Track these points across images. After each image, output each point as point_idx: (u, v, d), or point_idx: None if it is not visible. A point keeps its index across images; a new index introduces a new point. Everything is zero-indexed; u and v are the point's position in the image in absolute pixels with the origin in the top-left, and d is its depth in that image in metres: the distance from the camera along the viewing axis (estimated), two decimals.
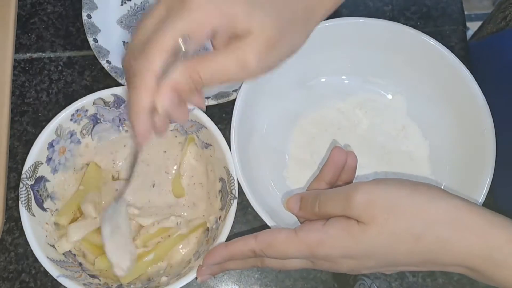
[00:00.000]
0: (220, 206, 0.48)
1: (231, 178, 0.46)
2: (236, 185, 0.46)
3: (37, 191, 0.47)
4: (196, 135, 0.50)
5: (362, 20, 0.52)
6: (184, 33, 0.35)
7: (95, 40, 0.54)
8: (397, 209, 0.37)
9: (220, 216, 0.47)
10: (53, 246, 0.46)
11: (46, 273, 0.44)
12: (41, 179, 0.47)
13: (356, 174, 0.53)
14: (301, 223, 0.45)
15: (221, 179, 0.48)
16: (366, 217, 0.37)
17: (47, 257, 0.44)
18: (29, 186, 0.46)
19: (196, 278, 0.43)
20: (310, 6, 0.39)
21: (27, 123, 0.55)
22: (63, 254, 0.46)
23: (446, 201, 0.37)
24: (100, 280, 0.46)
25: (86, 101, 0.47)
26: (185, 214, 0.50)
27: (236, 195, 0.46)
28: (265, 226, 0.47)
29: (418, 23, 0.60)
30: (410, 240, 0.37)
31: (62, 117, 0.47)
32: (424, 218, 0.36)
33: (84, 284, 0.44)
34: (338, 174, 0.45)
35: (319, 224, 0.39)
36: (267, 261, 0.42)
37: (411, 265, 0.39)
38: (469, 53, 0.59)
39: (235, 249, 0.41)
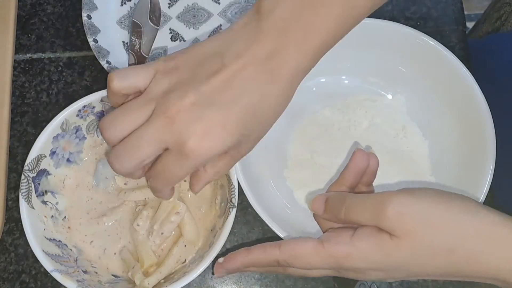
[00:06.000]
0: (219, 213, 0.48)
1: (232, 186, 0.46)
2: (236, 193, 0.46)
3: (38, 183, 0.47)
4: None
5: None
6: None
7: (95, 41, 0.54)
8: (431, 222, 0.36)
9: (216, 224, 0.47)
10: (50, 239, 0.46)
11: (46, 273, 0.44)
12: (43, 172, 0.47)
13: None
14: (322, 226, 0.43)
15: (222, 186, 0.48)
16: (400, 231, 0.36)
17: (43, 250, 0.44)
18: (31, 178, 0.46)
19: (213, 273, 0.43)
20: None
21: (27, 123, 0.55)
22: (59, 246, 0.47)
23: (480, 215, 0.36)
24: (92, 277, 0.46)
25: (93, 98, 0.47)
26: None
27: (236, 204, 0.45)
28: (265, 226, 0.47)
29: (418, 23, 0.60)
30: (443, 254, 0.36)
31: (69, 112, 0.47)
32: (458, 232, 0.36)
33: (78, 280, 0.44)
34: (359, 178, 0.43)
35: (347, 236, 0.38)
36: (290, 269, 0.41)
37: (441, 276, 0.38)
38: (469, 55, 0.59)
39: (258, 258, 0.40)
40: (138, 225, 0.47)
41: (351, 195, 0.41)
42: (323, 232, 0.43)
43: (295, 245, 0.39)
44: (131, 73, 0.39)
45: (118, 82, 0.39)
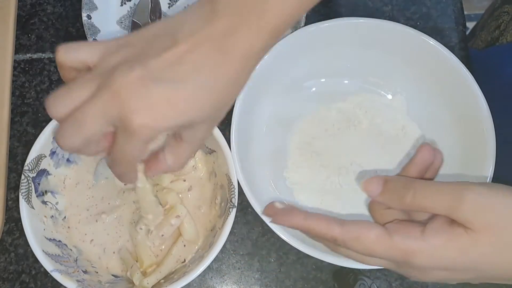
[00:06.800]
0: (219, 213, 0.48)
1: (232, 186, 0.46)
2: (236, 193, 0.46)
3: (38, 183, 0.47)
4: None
5: (362, 20, 0.52)
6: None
7: (95, 41, 0.54)
8: None
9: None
10: (50, 239, 0.46)
11: (46, 273, 0.44)
12: (43, 172, 0.47)
13: (356, 173, 0.53)
14: (378, 218, 0.39)
15: (222, 186, 0.48)
16: (478, 224, 0.33)
17: (43, 250, 0.44)
18: (31, 179, 0.46)
19: (263, 212, 0.42)
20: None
21: (27, 123, 0.55)
22: (59, 246, 0.47)
23: None
24: (92, 277, 0.46)
25: None
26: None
27: (236, 204, 0.45)
28: (265, 226, 0.47)
29: (418, 23, 0.60)
30: None
31: None
32: None
33: (78, 280, 0.44)
34: (423, 174, 0.40)
35: (417, 230, 0.35)
36: (342, 249, 0.38)
37: None
38: (469, 55, 0.59)
39: (316, 227, 0.37)
40: (141, 228, 0.47)
41: (419, 180, 0.37)
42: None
43: (359, 229, 0.36)
44: (79, 47, 0.38)
45: (63, 54, 0.37)
